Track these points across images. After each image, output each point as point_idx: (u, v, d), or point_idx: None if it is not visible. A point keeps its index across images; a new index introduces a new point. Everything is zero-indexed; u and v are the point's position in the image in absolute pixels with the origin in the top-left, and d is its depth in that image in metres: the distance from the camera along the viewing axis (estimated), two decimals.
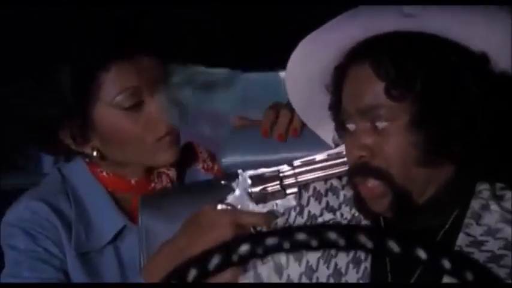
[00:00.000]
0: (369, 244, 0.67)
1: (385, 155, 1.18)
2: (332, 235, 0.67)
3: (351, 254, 1.25)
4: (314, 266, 1.26)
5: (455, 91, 1.17)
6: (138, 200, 1.52)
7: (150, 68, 1.48)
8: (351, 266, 1.24)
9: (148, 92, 1.48)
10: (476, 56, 1.18)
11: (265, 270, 1.30)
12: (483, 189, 1.23)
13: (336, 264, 1.25)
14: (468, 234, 1.20)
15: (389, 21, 1.19)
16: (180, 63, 1.54)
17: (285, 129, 1.45)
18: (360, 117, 1.20)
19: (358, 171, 1.21)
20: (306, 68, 1.30)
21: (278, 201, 1.35)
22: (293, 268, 1.28)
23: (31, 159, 2.56)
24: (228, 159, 1.49)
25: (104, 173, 1.58)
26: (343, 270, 1.24)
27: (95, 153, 1.53)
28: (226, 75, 1.61)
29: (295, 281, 1.27)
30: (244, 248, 0.68)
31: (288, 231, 0.68)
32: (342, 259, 1.25)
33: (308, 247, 0.67)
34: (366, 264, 1.23)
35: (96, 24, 1.45)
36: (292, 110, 1.44)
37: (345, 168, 1.29)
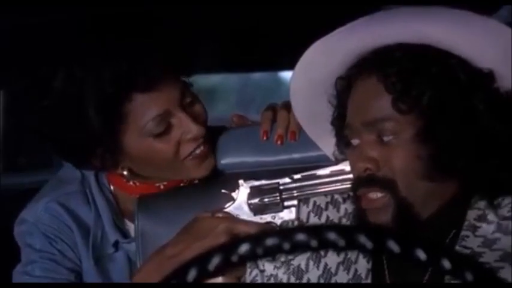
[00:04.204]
0: (369, 244, 0.67)
1: (390, 167, 1.18)
2: (332, 235, 0.67)
3: (371, 262, 1.25)
4: (333, 270, 1.26)
5: (462, 107, 1.17)
6: (134, 204, 1.52)
7: (172, 89, 1.46)
8: (370, 273, 1.24)
9: (174, 112, 1.46)
10: (483, 74, 1.19)
11: (284, 275, 1.30)
12: (479, 199, 1.22)
13: (355, 271, 1.25)
14: (465, 247, 1.19)
15: (395, 32, 1.19)
16: (192, 74, 1.53)
17: (284, 132, 1.45)
18: (366, 130, 1.20)
19: (362, 183, 1.20)
20: (310, 77, 1.30)
21: (276, 214, 1.34)
22: (313, 272, 1.28)
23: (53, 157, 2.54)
24: (226, 160, 1.49)
25: (131, 183, 1.57)
26: (363, 275, 1.24)
27: (125, 173, 1.52)
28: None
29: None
30: (244, 248, 0.68)
31: (287, 232, 0.68)
32: (362, 266, 1.25)
33: (308, 247, 0.67)
34: (386, 274, 1.23)
35: (115, 57, 1.43)
36: (289, 112, 1.45)
37: (347, 185, 1.28)
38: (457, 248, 1.19)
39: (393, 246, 0.66)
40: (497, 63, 1.18)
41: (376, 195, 1.19)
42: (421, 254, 0.66)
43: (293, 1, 1.94)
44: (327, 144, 1.36)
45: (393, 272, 1.23)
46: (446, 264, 0.66)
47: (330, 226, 0.68)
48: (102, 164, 1.49)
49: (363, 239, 0.67)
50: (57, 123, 1.46)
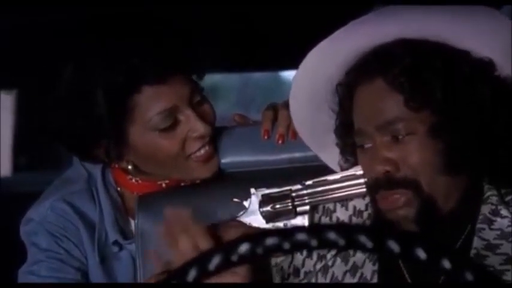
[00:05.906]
0: (369, 244, 0.67)
1: (410, 166, 1.18)
2: (332, 235, 0.67)
3: (377, 264, 1.24)
4: (340, 278, 1.25)
5: (470, 97, 1.18)
6: (135, 202, 1.52)
7: (181, 86, 1.46)
8: (376, 275, 1.24)
9: (182, 109, 1.46)
10: (484, 63, 1.19)
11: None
12: (491, 194, 1.23)
13: (361, 274, 1.25)
14: (483, 239, 1.21)
15: (393, 30, 1.20)
16: (201, 73, 1.53)
17: (285, 131, 1.45)
18: (379, 133, 1.20)
19: (382, 186, 1.20)
20: (310, 85, 1.29)
21: (289, 221, 1.33)
22: (321, 280, 1.27)
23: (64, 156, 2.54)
24: (226, 160, 1.49)
25: (133, 180, 1.57)
26: (368, 277, 1.24)
27: (130, 167, 1.52)
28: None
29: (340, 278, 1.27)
30: (244, 248, 0.68)
31: (288, 232, 0.68)
32: (368, 269, 1.24)
33: (308, 247, 0.67)
34: (405, 273, 1.24)
35: (129, 49, 1.43)
36: (290, 111, 1.44)
37: (359, 190, 1.27)
38: (475, 238, 1.20)
39: (393, 246, 0.66)
40: (496, 52, 1.19)
41: (397, 195, 1.18)
42: (421, 254, 0.66)
43: (293, 1, 1.94)
44: (330, 156, 1.36)
45: (412, 273, 1.23)
46: (446, 264, 0.66)
47: (330, 226, 0.68)
48: (107, 155, 1.49)
49: (363, 238, 0.67)
50: (64, 112, 1.47)
